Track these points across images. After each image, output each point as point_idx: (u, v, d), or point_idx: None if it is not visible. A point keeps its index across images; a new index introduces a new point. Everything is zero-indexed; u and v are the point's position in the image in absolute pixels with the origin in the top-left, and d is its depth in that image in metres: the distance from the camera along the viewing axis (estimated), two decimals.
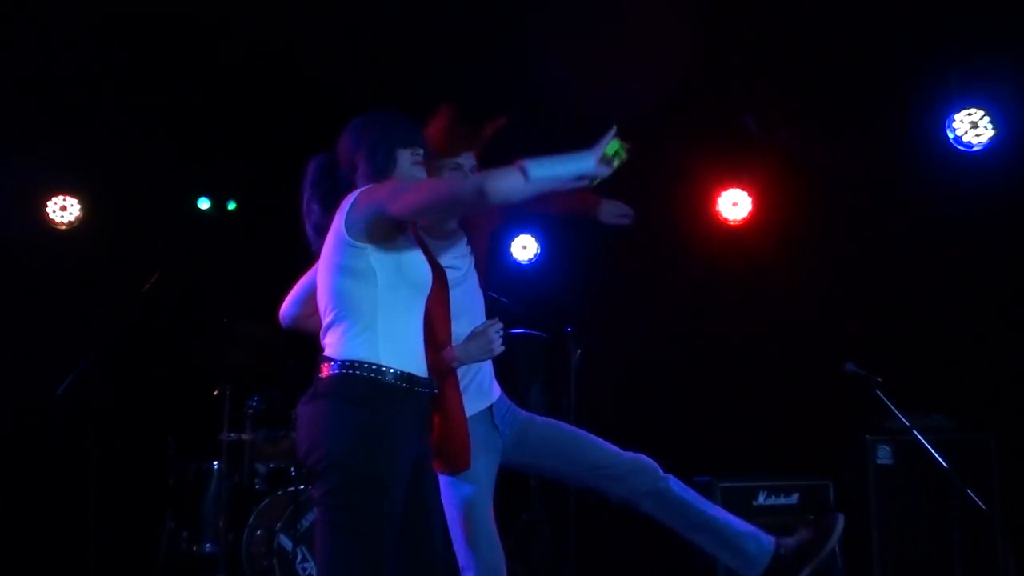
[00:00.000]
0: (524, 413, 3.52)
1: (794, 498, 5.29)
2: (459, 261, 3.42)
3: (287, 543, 5.25)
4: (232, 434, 5.65)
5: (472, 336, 3.18)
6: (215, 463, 5.62)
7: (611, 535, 5.67)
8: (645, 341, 6.35)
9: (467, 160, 3.35)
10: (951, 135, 5.75)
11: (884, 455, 5.29)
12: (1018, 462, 5.35)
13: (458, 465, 3.21)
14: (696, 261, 6.30)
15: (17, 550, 5.91)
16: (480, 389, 3.40)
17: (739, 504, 5.13)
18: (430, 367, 2.96)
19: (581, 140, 2.82)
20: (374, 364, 2.79)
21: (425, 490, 2.92)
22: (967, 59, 5.68)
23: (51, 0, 5.57)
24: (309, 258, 3.09)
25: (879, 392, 4.78)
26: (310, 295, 3.14)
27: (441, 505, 3.15)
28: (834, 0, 5.53)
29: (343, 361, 2.80)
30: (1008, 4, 5.34)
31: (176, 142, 6.21)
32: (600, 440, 3.47)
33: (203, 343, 5.63)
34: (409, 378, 2.84)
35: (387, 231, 2.84)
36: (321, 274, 2.94)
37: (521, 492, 5.62)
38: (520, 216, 3.91)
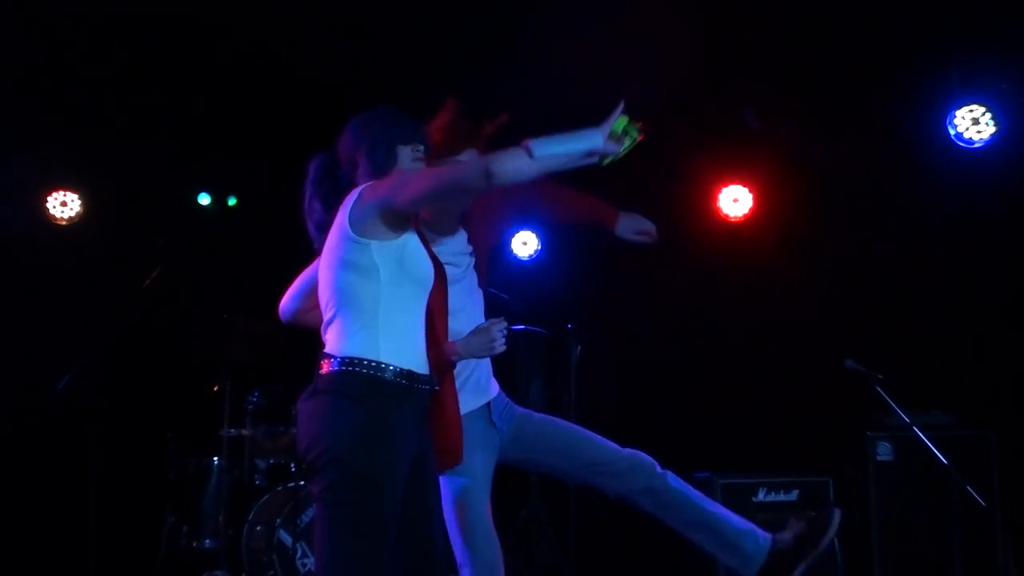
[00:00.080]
0: (522, 410, 3.51)
1: (794, 495, 5.29)
2: (458, 258, 3.41)
3: (287, 539, 5.25)
4: (232, 430, 5.65)
5: (475, 332, 3.18)
6: (215, 459, 5.61)
7: (611, 531, 5.66)
8: (645, 337, 6.35)
9: (469, 157, 3.34)
10: (952, 131, 5.73)
11: (884, 452, 5.28)
12: (1018, 459, 5.35)
13: (449, 461, 3.20)
14: (697, 257, 6.29)
15: (17, 545, 5.92)
16: (478, 386, 3.40)
17: (739, 501, 5.13)
18: (430, 363, 2.96)
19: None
20: (374, 361, 2.79)
21: (425, 487, 2.92)
22: (968, 55, 5.67)
23: None
24: (309, 254, 3.09)
25: (879, 388, 4.79)
26: (310, 290, 3.14)
27: (441, 502, 3.15)
28: None
29: (343, 358, 2.80)
30: (1009, 0, 5.34)
31: (177, 138, 6.21)
32: (598, 437, 3.47)
33: (203, 339, 5.63)
34: (409, 375, 2.84)
35: (392, 225, 2.84)
36: (323, 270, 2.93)
37: (521, 488, 5.62)
38: (527, 211, 3.88)
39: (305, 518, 5.23)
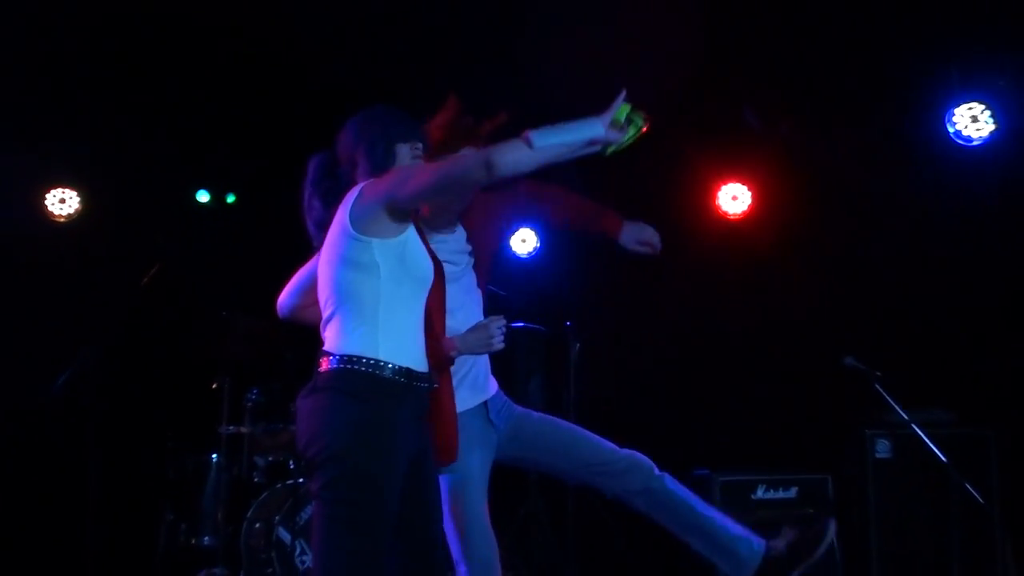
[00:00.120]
0: (520, 408, 3.51)
1: (793, 492, 5.29)
2: (457, 257, 3.41)
3: (286, 536, 5.25)
4: (231, 427, 5.65)
5: (474, 328, 3.17)
6: (214, 456, 5.62)
7: (610, 530, 5.66)
8: (644, 335, 6.35)
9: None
10: (951, 129, 5.74)
11: (883, 449, 5.28)
12: (1018, 456, 5.35)
13: (445, 458, 3.19)
14: (696, 255, 6.29)
15: (16, 542, 5.91)
16: (475, 384, 3.40)
17: (738, 498, 5.13)
18: (429, 359, 2.96)
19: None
20: (372, 359, 2.79)
21: (424, 485, 2.92)
22: (967, 53, 5.67)
23: None
24: (308, 251, 3.09)
25: (878, 386, 4.79)
26: (308, 286, 3.13)
27: (440, 499, 3.15)
28: None
29: (342, 355, 2.80)
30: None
31: (175, 135, 6.21)
32: (596, 437, 3.47)
33: (202, 336, 5.63)
34: (408, 373, 2.84)
35: (393, 222, 2.83)
36: (323, 267, 2.93)
37: (520, 487, 5.62)
38: (530, 216, 3.88)
39: (304, 516, 5.23)
